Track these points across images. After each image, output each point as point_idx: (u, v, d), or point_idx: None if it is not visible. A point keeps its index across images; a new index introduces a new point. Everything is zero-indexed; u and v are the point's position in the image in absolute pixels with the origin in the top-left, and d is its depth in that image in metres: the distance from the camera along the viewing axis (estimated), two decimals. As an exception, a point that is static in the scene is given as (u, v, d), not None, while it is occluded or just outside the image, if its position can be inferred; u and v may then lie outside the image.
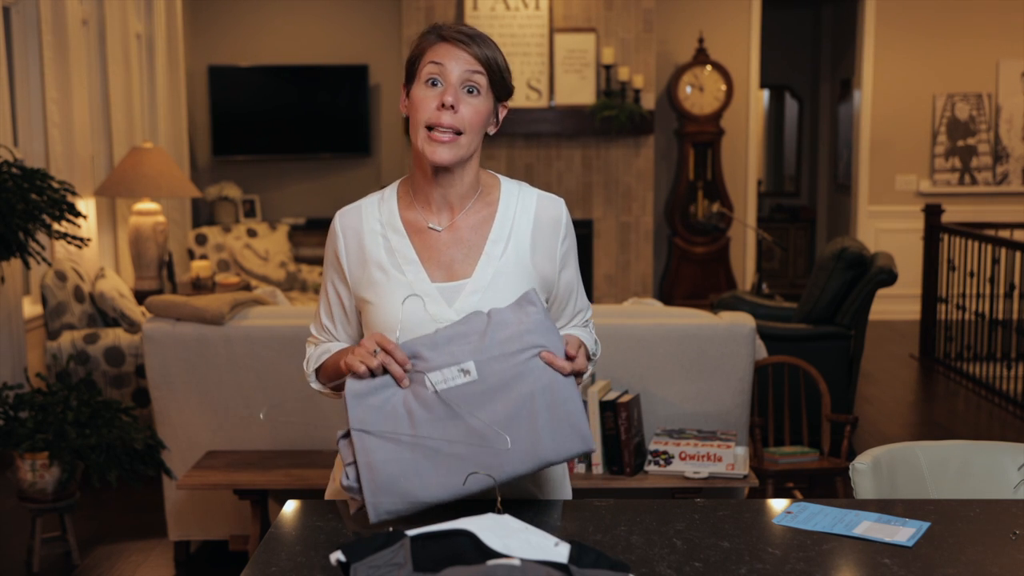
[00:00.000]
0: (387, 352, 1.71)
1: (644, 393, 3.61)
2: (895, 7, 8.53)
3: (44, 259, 4.11)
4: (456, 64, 1.80)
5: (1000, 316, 6.41)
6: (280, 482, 3.42)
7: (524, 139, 7.80)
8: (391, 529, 1.47)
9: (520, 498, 1.85)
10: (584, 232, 7.80)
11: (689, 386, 3.64)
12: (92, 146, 5.98)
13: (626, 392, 3.53)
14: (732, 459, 3.40)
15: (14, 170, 3.96)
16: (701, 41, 8.19)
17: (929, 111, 8.63)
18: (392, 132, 8.25)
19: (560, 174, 7.85)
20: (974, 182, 8.65)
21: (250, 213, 8.06)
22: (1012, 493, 2.13)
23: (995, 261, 6.34)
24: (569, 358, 1.74)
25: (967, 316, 6.86)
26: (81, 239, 4.23)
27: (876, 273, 5.02)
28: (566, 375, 1.73)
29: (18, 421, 3.64)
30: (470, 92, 1.81)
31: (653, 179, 7.95)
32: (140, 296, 5.82)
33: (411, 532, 1.45)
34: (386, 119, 8.26)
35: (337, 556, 1.43)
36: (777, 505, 1.83)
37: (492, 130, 1.87)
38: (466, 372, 1.70)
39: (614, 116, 7.53)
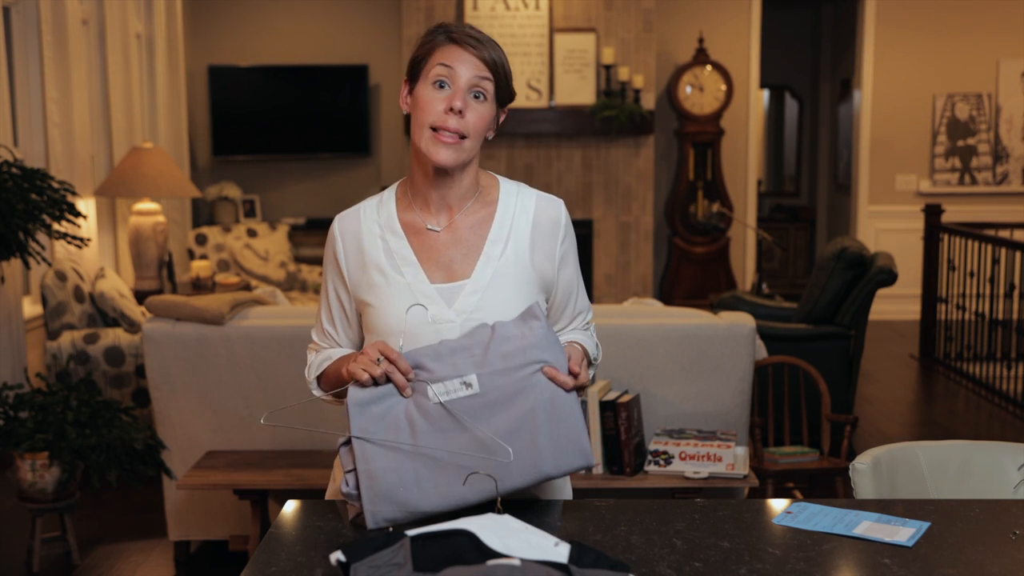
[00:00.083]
0: (391, 361, 1.71)
1: (644, 393, 3.61)
2: (895, 7, 8.53)
3: (44, 259, 4.11)
4: (465, 68, 1.80)
5: (1000, 316, 6.41)
6: (280, 482, 3.42)
7: (524, 139, 7.80)
8: (391, 529, 1.47)
9: (520, 498, 1.85)
10: (584, 232, 7.80)
11: (689, 386, 3.64)
12: (92, 146, 5.98)
13: (626, 392, 3.53)
14: (732, 459, 3.40)
15: (14, 170, 3.96)
16: (701, 41, 8.19)
17: (929, 111, 8.63)
18: (392, 132, 8.25)
19: (560, 174, 7.85)
20: (974, 182, 8.65)
21: (250, 213, 8.06)
22: (1012, 493, 2.13)
23: (995, 261, 6.34)
24: (572, 374, 1.74)
25: (967, 316, 6.86)
26: (81, 239, 4.23)
27: (876, 273, 5.02)
28: (568, 391, 1.73)
29: (18, 421, 3.64)
30: (476, 97, 1.81)
31: (653, 179, 7.95)
32: (140, 296, 5.82)
33: (411, 532, 1.45)
34: (386, 119, 8.26)
35: (337, 556, 1.43)
36: (777, 505, 1.83)
37: (490, 135, 1.87)
38: (468, 385, 1.71)
39: (614, 116, 7.53)
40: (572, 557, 1.40)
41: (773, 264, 10.11)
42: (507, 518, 1.52)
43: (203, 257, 7.32)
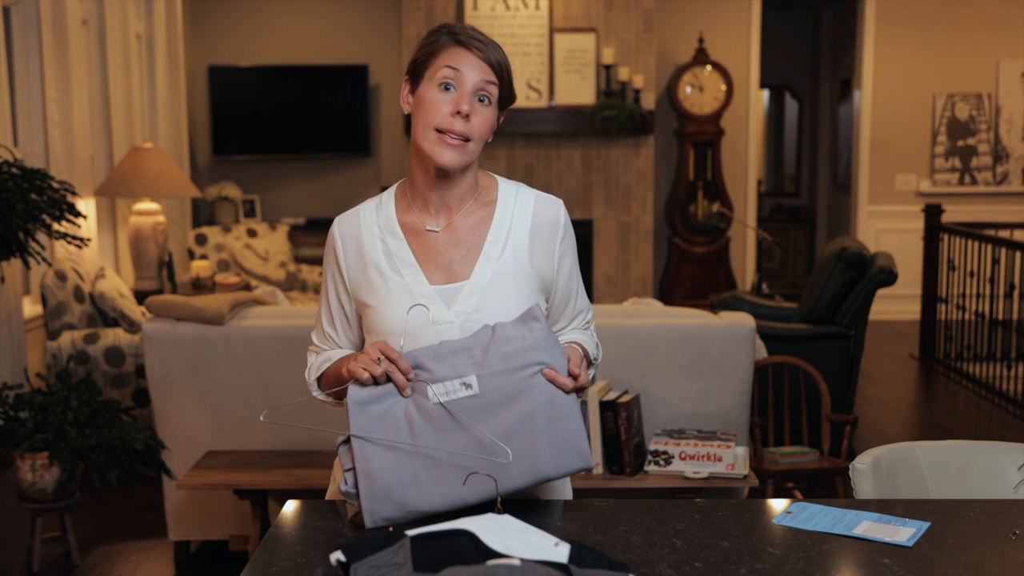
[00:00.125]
0: (391, 361, 1.71)
1: (644, 393, 3.61)
2: (895, 7, 8.53)
3: (44, 259, 4.11)
4: (472, 72, 1.80)
5: (1000, 316, 6.41)
6: (280, 482, 3.42)
7: (524, 139, 7.80)
8: (391, 529, 1.47)
9: (520, 498, 1.85)
10: (584, 232, 7.80)
11: (689, 386, 3.64)
12: (92, 146, 5.98)
13: (626, 392, 3.53)
14: (732, 459, 3.40)
15: (14, 170, 3.96)
16: (701, 41, 8.19)
17: (929, 111, 8.63)
18: (392, 132, 8.25)
19: (560, 174, 7.85)
20: (974, 182, 8.65)
21: (250, 213, 8.06)
22: (1012, 493, 2.13)
23: (995, 261, 6.34)
24: (572, 375, 1.74)
25: (967, 316, 6.86)
26: (81, 239, 4.23)
27: (876, 273, 5.02)
28: (567, 392, 1.73)
29: (18, 421, 3.64)
30: (481, 101, 1.82)
31: (653, 179, 7.95)
32: (140, 296, 5.82)
33: (411, 532, 1.45)
34: (386, 119, 8.26)
35: (337, 556, 1.43)
36: (777, 505, 1.83)
37: (490, 138, 1.87)
38: (468, 386, 1.71)
39: (614, 116, 7.53)
40: (572, 557, 1.40)
41: (773, 264, 10.11)
42: (507, 518, 1.53)
43: (203, 257, 7.32)
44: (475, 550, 1.43)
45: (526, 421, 1.71)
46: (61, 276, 5.09)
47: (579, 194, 7.84)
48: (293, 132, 8.13)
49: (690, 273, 8.20)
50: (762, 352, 4.13)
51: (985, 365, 6.47)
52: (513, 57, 7.52)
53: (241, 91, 8.07)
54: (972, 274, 6.64)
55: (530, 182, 7.14)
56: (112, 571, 3.79)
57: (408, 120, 1.89)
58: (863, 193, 8.71)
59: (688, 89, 8.14)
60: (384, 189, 2.04)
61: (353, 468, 1.71)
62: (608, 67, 7.64)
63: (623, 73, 7.61)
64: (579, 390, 1.77)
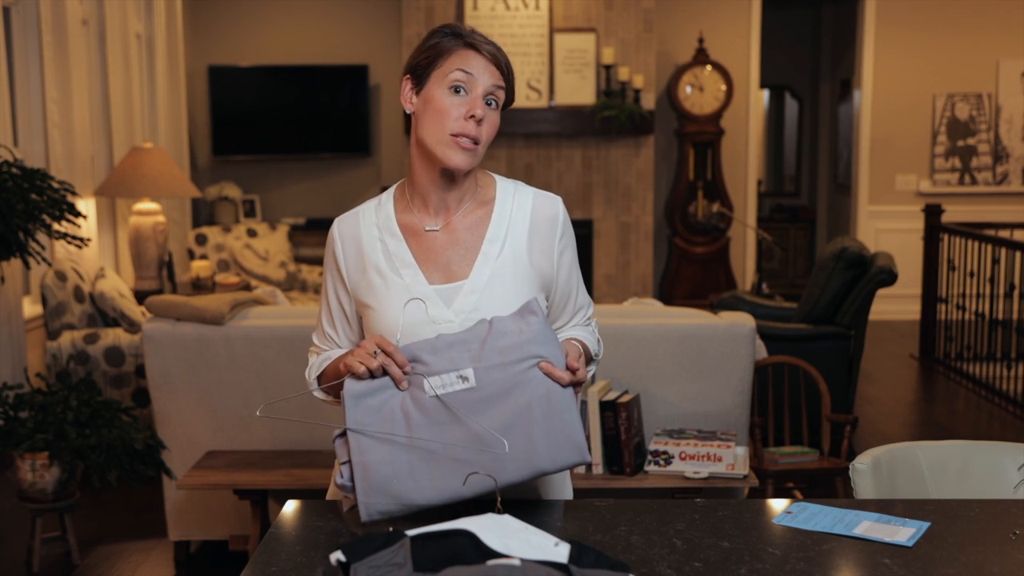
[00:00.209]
0: (387, 354, 1.71)
1: (644, 393, 3.61)
2: (895, 7, 8.53)
3: (44, 259, 4.11)
4: (484, 76, 1.81)
5: (1000, 316, 6.41)
6: (280, 482, 3.42)
7: (524, 139, 7.80)
8: (391, 529, 1.47)
9: (521, 498, 1.85)
10: (584, 232, 7.80)
11: (689, 386, 3.64)
12: (92, 146, 5.98)
13: (626, 392, 3.53)
14: (732, 459, 3.40)
15: (14, 170, 3.96)
16: (701, 41, 8.19)
17: (929, 111, 8.63)
18: (392, 132, 8.25)
19: (560, 174, 7.85)
20: (974, 182, 8.65)
21: (250, 213, 8.06)
22: (1012, 493, 2.13)
23: (995, 261, 6.34)
24: (571, 369, 1.74)
25: (967, 316, 6.87)
26: (81, 239, 4.23)
27: (876, 273, 5.02)
28: (564, 386, 1.73)
29: (18, 421, 3.64)
30: (489, 104, 1.82)
31: (653, 179, 7.95)
32: (140, 296, 5.82)
33: (411, 532, 1.45)
34: (386, 119, 8.26)
35: (337, 556, 1.43)
36: (777, 505, 1.83)
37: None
38: (464, 379, 1.71)
39: (614, 116, 7.53)
40: (572, 557, 1.40)
41: (773, 264, 10.11)
42: (507, 518, 1.52)
43: (203, 257, 7.32)
44: (475, 550, 1.43)
45: (523, 414, 1.70)
46: (61, 276, 5.09)
47: (579, 194, 7.84)
48: (293, 132, 8.14)
49: (690, 273, 8.21)
50: (762, 352, 4.13)
51: (985, 365, 6.47)
52: (513, 57, 7.52)
53: (241, 91, 8.07)
54: (972, 274, 6.64)
55: (530, 182, 7.13)
56: (112, 571, 3.79)
57: (409, 120, 1.89)
58: (863, 193, 8.71)
59: (688, 89, 8.14)
60: (384, 189, 2.04)
61: (349, 461, 1.71)
62: (608, 67, 7.64)
63: (623, 73, 7.61)
64: (576, 385, 1.76)
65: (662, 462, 3.43)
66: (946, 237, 7.01)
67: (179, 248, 7.21)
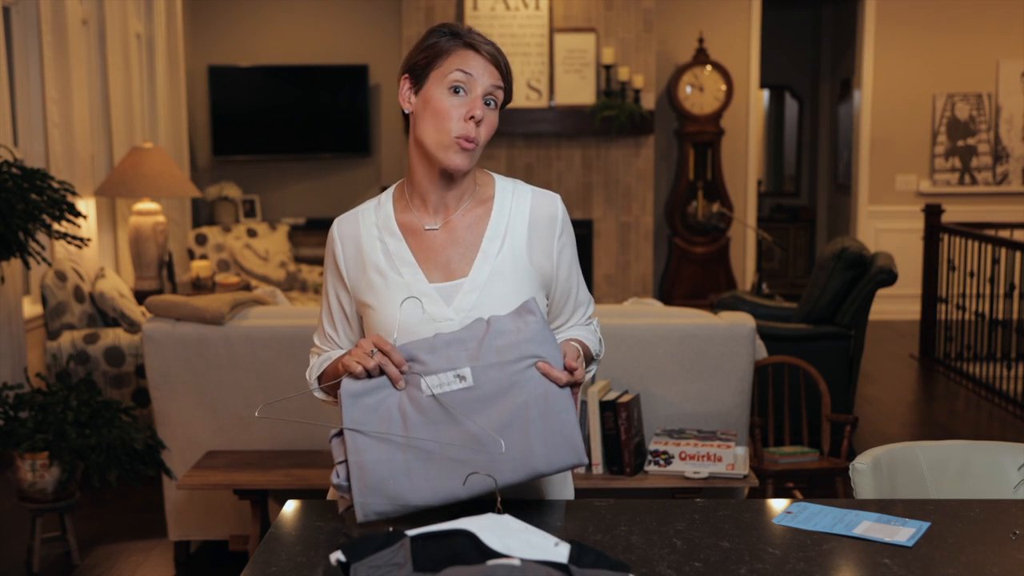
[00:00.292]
0: (384, 353, 1.71)
1: (644, 393, 3.61)
2: (895, 7, 8.53)
3: (44, 259, 4.11)
4: (483, 76, 1.81)
5: (1000, 316, 6.41)
6: (280, 482, 3.42)
7: (524, 139, 7.80)
8: (391, 529, 1.47)
9: (521, 498, 1.85)
10: (584, 232, 7.80)
11: (689, 386, 3.64)
12: (92, 146, 5.98)
13: (626, 392, 3.53)
14: (732, 459, 3.40)
15: (14, 170, 3.96)
16: (701, 41, 8.19)
17: (929, 111, 8.63)
18: (392, 132, 8.25)
19: (560, 174, 7.85)
20: (974, 182, 8.65)
21: (250, 213, 8.06)
22: (1012, 493, 2.13)
23: (995, 261, 6.34)
24: (568, 370, 1.74)
25: (967, 316, 6.87)
26: (81, 239, 4.23)
27: (876, 273, 5.02)
28: (562, 386, 1.73)
29: (18, 421, 3.64)
30: (488, 104, 1.82)
31: (653, 179, 7.95)
32: (140, 296, 5.82)
33: (411, 532, 1.45)
34: (386, 119, 8.27)
35: (337, 556, 1.43)
36: (777, 505, 1.83)
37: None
38: (462, 378, 1.70)
39: (614, 116, 7.53)
40: (572, 557, 1.40)
41: (773, 264, 10.11)
42: (507, 518, 1.52)
43: (203, 257, 7.32)
44: (475, 550, 1.43)
45: (519, 414, 1.69)
46: (61, 276, 5.09)
47: (579, 194, 7.84)
48: (293, 132, 8.14)
49: (690, 273, 8.21)
50: (762, 352, 4.13)
51: (985, 365, 6.47)
52: (513, 57, 7.52)
53: (241, 91, 8.07)
54: (972, 274, 6.64)
55: (530, 182, 7.10)
56: (112, 571, 3.79)
57: (407, 119, 1.89)
58: (863, 193, 8.71)
59: (688, 89, 8.14)
60: (384, 189, 2.04)
61: (345, 461, 1.70)
62: (608, 67, 7.64)
63: (623, 73, 7.61)
64: (574, 385, 1.76)
65: (662, 462, 3.43)
66: (946, 237, 7.01)
67: (179, 248, 7.21)
